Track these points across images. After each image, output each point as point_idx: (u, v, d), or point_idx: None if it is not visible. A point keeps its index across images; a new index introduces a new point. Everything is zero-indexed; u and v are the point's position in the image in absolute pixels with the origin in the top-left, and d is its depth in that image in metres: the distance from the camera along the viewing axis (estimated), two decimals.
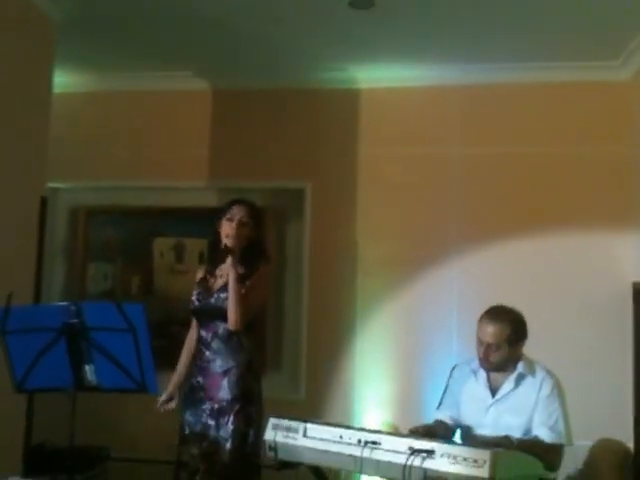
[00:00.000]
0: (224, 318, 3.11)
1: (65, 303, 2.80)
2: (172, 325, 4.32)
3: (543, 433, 2.92)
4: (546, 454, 2.80)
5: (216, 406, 3.09)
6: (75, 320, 2.71)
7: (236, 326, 3.09)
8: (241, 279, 3.10)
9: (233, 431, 3.06)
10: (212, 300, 3.17)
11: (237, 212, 3.19)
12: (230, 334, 3.12)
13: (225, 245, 3.13)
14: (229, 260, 3.11)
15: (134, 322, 2.63)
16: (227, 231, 3.15)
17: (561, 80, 4.46)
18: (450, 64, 4.46)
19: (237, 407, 3.08)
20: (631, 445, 4.08)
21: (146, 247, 4.78)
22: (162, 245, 4.77)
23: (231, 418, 3.07)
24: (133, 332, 2.62)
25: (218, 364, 3.12)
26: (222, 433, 3.06)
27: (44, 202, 3.97)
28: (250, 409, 3.11)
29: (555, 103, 4.49)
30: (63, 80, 4.36)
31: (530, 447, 2.77)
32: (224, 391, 3.09)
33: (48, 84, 3.92)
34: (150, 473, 4.27)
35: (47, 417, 4.05)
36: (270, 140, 4.74)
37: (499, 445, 2.69)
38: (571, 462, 3.65)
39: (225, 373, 3.11)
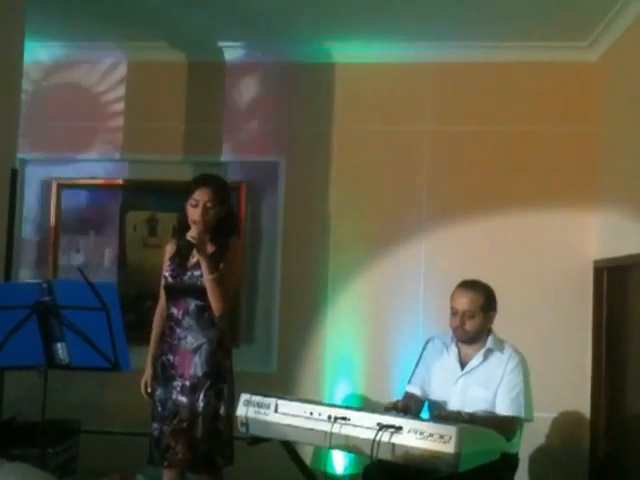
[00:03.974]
0: (196, 295, 3.11)
1: (37, 281, 2.82)
2: (144, 300, 4.31)
3: (503, 405, 3.03)
4: (499, 425, 2.87)
5: (187, 383, 3.10)
6: (47, 298, 2.72)
7: (221, 312, 3.12)
8: (213, 258, 3.10)
9: (204, 407, 3.08)
10: (186, 277, 3.17)
11: (200, 197, 3.11)
12: (201, 310, 3.12)
13: (191, 237, 3.03)
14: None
15: (107, 301, 2.65)
16: (193, 217, 3.11)
17: (530, 60, 4.46)
18: (423, 42, 4.46)
19: (208, 383, 3.10)
20: (588, 415, 4.30)
21: (119, 220, 4.73)
22: (135, 218, 4.72)
23: (202, 394, 3.08)
24: (106, 311, 2.64)
25: (189, 341, 3.13)
26: (194, 410, 3.07)
27: (14, 174, 3.91)
28: (221, 385, 3.14)
29: (524, 82, 4.50)
30: (33, 50, 4.28)
31: (481, 420, 2.86)
32: (195, 368, 3.11)
33: (18, 55, 3.82)
34: (121, 445, 4.30)
35: (16, 392, 4.05)
36: (245, 114, 4.71)
37: (448, 418, 2.77)
38: (533, 433, 3.79)
39: (196, 350, 3.12)
